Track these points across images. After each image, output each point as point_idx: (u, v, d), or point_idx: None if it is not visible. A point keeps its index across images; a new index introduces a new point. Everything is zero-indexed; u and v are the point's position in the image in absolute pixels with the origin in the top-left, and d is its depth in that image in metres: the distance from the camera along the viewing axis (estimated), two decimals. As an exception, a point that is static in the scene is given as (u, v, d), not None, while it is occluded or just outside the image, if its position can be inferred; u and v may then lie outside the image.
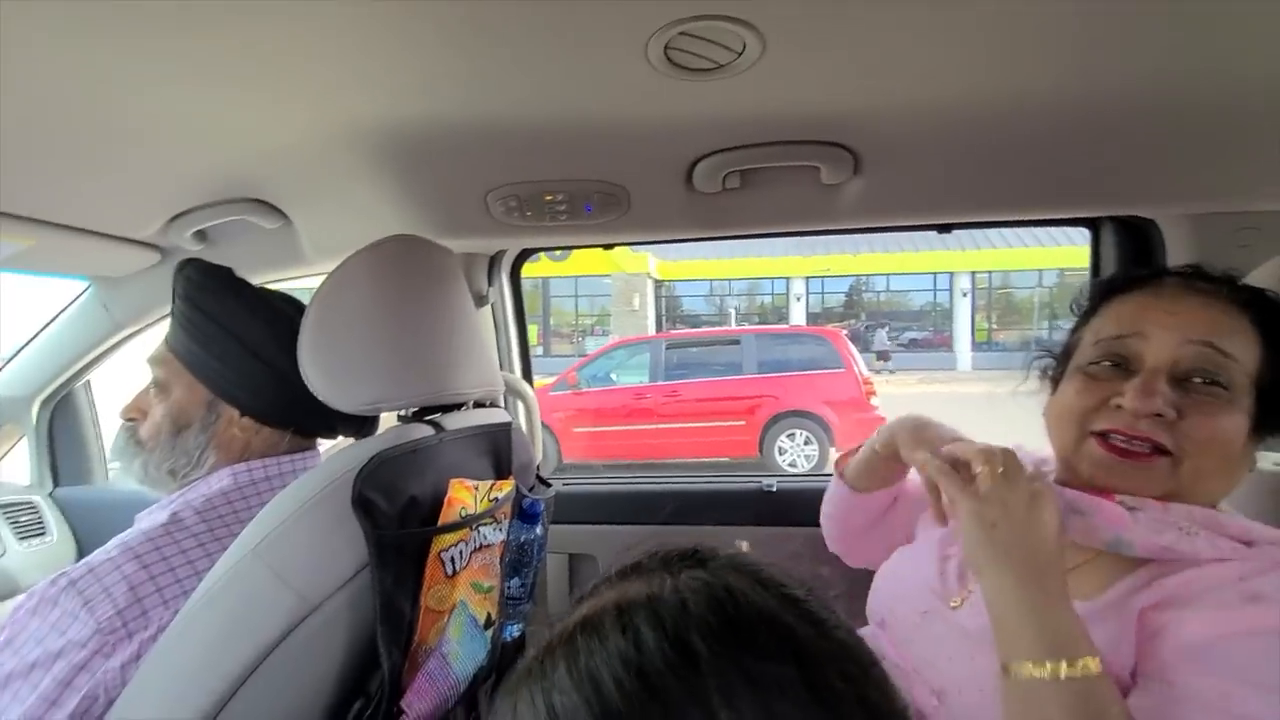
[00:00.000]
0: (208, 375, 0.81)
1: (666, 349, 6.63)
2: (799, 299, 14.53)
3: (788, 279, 14.54)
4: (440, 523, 0.73)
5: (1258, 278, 0.76)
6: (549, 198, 0.99)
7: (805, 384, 5.95)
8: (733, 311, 14.37)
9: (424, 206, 1.04)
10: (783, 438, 5.89)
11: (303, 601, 0.64)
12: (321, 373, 0.77)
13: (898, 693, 0.35)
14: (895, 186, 0.98)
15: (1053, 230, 13.17)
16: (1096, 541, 0.60)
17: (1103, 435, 0.61)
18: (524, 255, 1.36)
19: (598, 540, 1.40)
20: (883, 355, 13.19)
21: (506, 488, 0.86)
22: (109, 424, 1.60)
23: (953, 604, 0.69)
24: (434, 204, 1.03)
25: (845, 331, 7.06)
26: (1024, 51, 0.70)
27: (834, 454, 5.60)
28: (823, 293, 15.24)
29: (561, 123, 0.85)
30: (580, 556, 1.42)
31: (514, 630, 0.99)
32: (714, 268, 14.39)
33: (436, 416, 0.86)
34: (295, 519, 0.66)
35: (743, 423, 5.97)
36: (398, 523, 0.69)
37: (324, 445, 0.95)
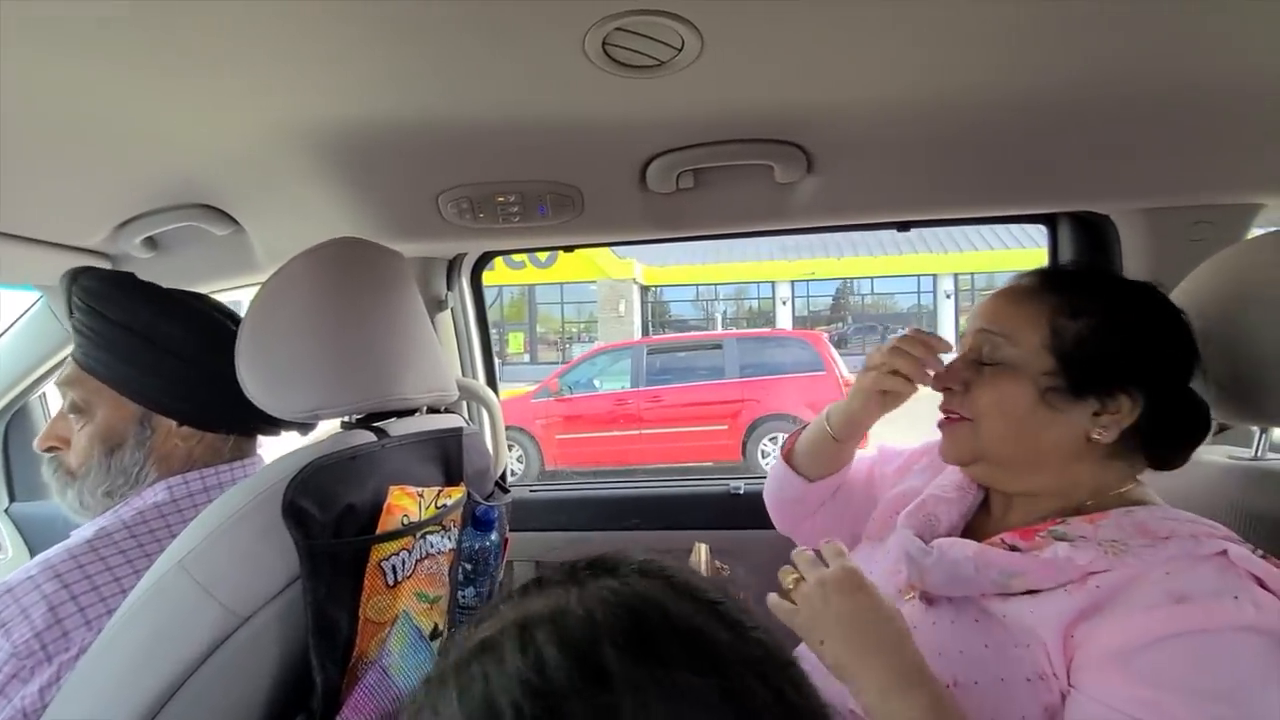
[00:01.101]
0: (134, 389, 0.78)
1: (649, 354, 6.62)
2: (785, 302, 14.59)
3: (773, 283, 14.62)
4: (379, 530, 0.71)
5: (1204, 271, 0.76)
6: (501, 199, 0.98)
7: (787, 387, 5.96)
8: (719, 316, 14.38)
9: (375, 209, 1.02)
10: (765, 441, 5.86)
11: (229, 615, 0.62)
12: (258, 380, 0.75)
13: (816, 691, 0.34)
14: (850, 185, 0.98)
15: (1031, 232, 13.46)
16: (988, 587, 0.60)
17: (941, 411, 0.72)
18: (484, 259, 1.34)
19: (566, 547, 1.38)
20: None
21: (456, 494, 0.84)
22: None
23: (906, 597, 0.68)
24: (385, 207, 1.02)
25: (832, 335, 7.08)
26: (972, 48, 0.70)
27: None
28: (808, 296, 15.30)
29: (509, 122, 0.84)
30: (548, 564, 1.40)
31: (471, 640, 0.97)
32: (700, 272, 14.43)
33: (383, 423, 0.84)
34: (223, 530, 0.64)
35: (725, 427, 5.97)
36: (333, 532, 0.67)
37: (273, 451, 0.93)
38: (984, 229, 13.72)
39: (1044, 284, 0.68)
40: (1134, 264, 1.05)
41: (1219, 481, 0.76)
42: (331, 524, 0.67)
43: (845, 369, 6.05)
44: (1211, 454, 0.81)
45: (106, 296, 0.78)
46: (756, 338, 7.53)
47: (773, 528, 0.95)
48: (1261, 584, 0.52)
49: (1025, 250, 13.10)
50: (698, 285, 15.06)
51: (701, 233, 1.09)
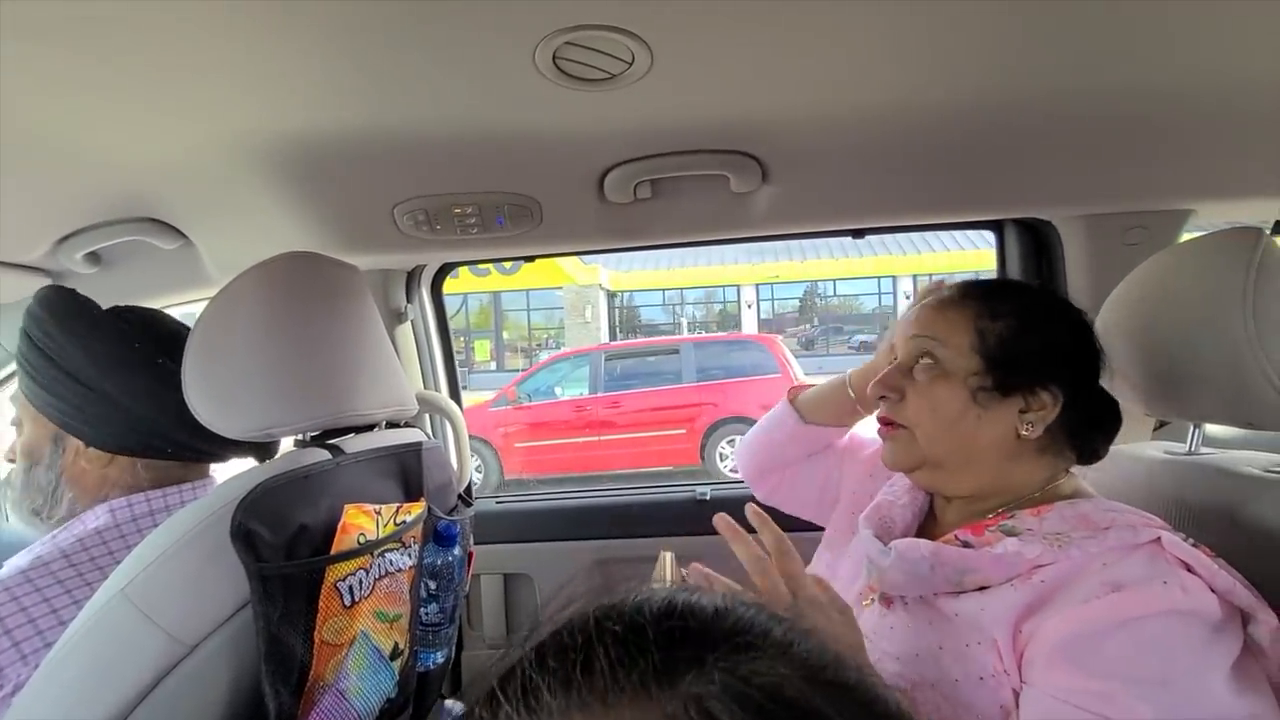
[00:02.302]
0: (43, 407, 0.76)
1: (607, 360, 6.60)
2: (750, 306, 14.74)
3: (739, 286, 14.79)
4: (334, 550, 0.69)
5: (1139, 274, 0.79)
6: (458, 210, 0.97)
7: (743, 390, 5.99)
8: (684, 321, 14.43)
9: (329, 221, 1.00)
10: (723, 444, 5.90)
11: (174, 644, 0.60)
12: (205, 398, 0.73)
13: None
14: (804, 194, 1.00)
15: (987, 234, 13.94)
16: (942, 585, 0.62)
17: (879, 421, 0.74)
18: (444, 270, 1.33)
19: (533, 559, 1.37)
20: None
21: (415, 510, 0.83)
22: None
23: (864, 603, 0.70)
24: (339, 219, 1.00)
25: (800, 336, 7.18)
26: (916, 61, 0.72)
27: None
28: (773, 299, 15.46)
29: (463, 134, 0.84)
30: (515, 576, 1.39)
31: (435, 658, 0.95)
32: (665, 277, 14.50)
33: (339, 440, 0.82)
34: (168, 556, 0.62)
35: (683, 431, 5.99)
36: (284, 554, 0.66)
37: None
38: (941, 232, 14.22)
39: (964, 294, 0.73)
40: (1075, 267, 1.10)
41: (1157, 476, 0.79)
42: (283, 546, 0.66)
43: (800, 371, 6.14)
44: (1149, 450, 0.85)
45: (34, 314, 0.77)
46: (713, 342, 7.56)
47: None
48: (1189, 569, 0.54)
49: (980, 251, 13.61)
50: (664, 290, 15.13)
51: (660, 242, 1.10)
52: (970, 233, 14.07)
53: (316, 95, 0.74)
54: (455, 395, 1.39)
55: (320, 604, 0.68)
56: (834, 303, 15.82)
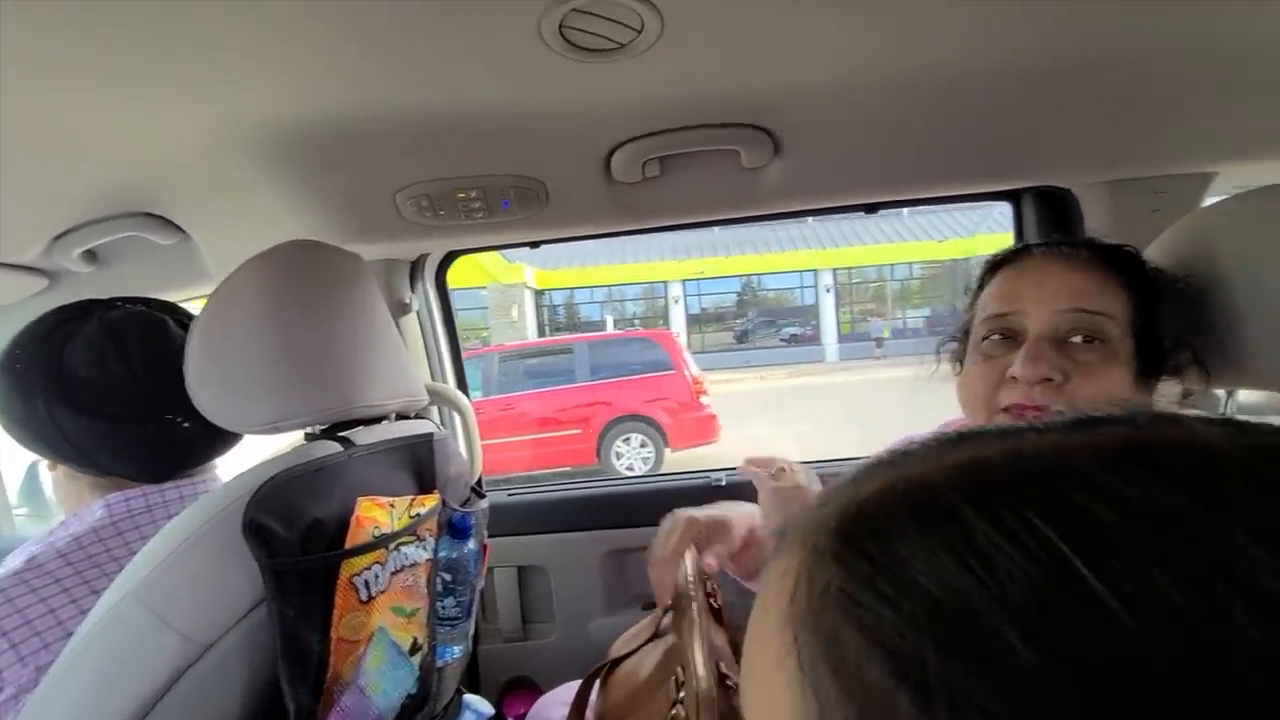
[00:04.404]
0: (19, 440, 0.75)
1: (500, 362, 6.56)
2: (677, 301, 14.77)
3: (666, 283, 14.81)
4: (348, 545, 0.67)
5: (1165, 240, 0.77)
6: (462, 195, 0.94)
7: (638, 388, 6.02)
8: (609, 318, 14.25)
9: (329, 210, 0.98)
10: (619, 442, 5.93)
11: (189, 644, 0.58)
12: (211, 393, 0.71)
13: None
14: (817, 168, 0.97)
15: (910, 224, 14.13)
16: None
17: (1008, 411, 0.62)
18: (449, 259, 1.30)
19: (546, 550, 1.35)
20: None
21: (430, 503, 0.81)
22: (10, 469, 1.48)
23: None
24: (340, 207, 0.97)
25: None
26: (933, 24, 0.69)
27: (669, 454, 5.86)
28: (700, 294, 15.48)
29: (467, 114, 0.81)
30: (530, 569, 1.37)
31: (454, 652, 0.94)
32: (592, 275, 14.39)
33: (349, 432, 0.80)
34: (179, 553, 0.60)
35: (579, 431, 5.96)
36: (299, 549, 0.64)
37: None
38: (859, 226, 14.37)
39: (1103, 262, 0.64)
40: (1096, 237, 1.07)
41: None
42: (298, 541, 0.64)
43: (694, 367, 6.14)
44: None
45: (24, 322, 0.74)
46: (607, 340, 7.48)
47: None
48: None
49: (897, 245, 14.15)
50: (591, 287, 15.04)
51: (669, 221, 1.07)
52: (887, 229, 14.38)
53: (313, 79, 0.72)
54: (463, 387, 1.37)
55: (337, 599, 0.66)
56: (770, 296, 15.81)
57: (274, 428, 0.72)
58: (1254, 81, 0.83)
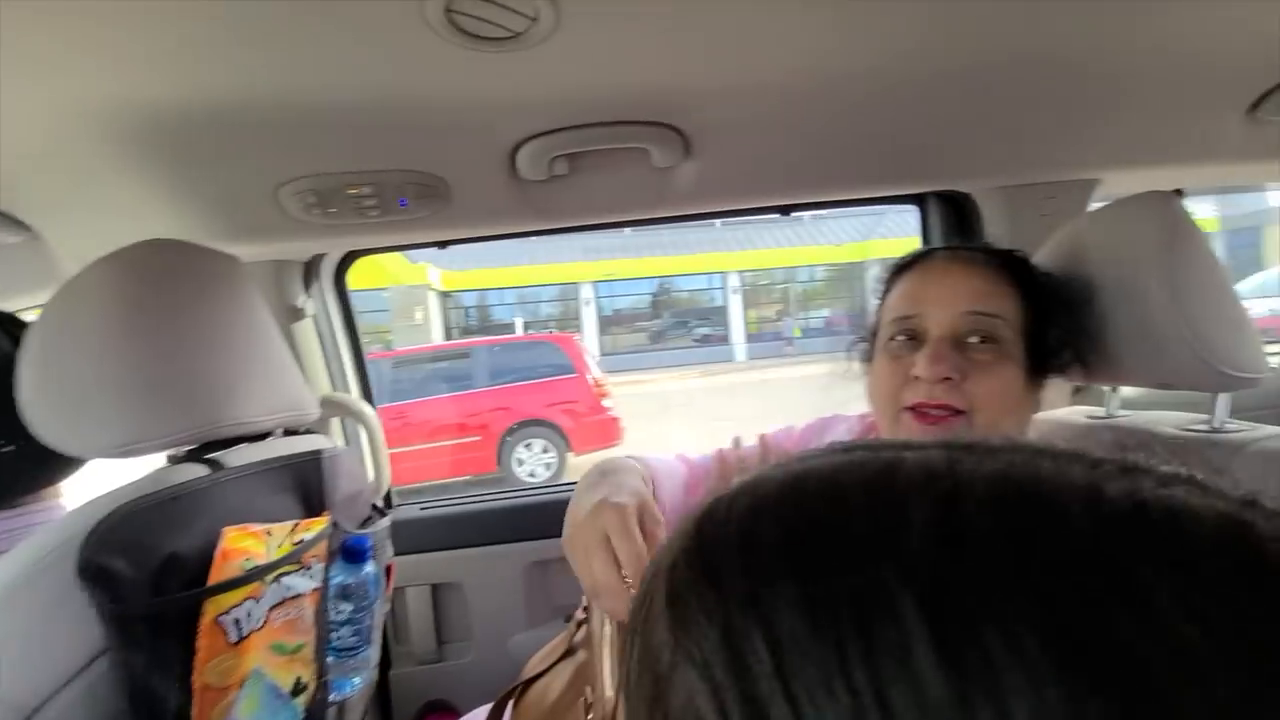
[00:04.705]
0: None
1: (394, 367, 6.26)
2: (588, 303, 14.79)
3: (578, 284, 14.81)
4: (211, 581, 0.60)
5: (1050, 245, 0.80)
6: (353, 191, 0.87)
7: (538, 392, 5.83)
8: (519, 321, 13.95)
9: (202, 206, 0.89)
10: (520, 448, 5.75)
11: (10, 711, 0.50)
12: (49, 413, 0.62)
13: None
14: (728, 169, 0.96)
15: (811, 230, 14.89)
16: None
17: (913, 409, 0.65)
18: (348, 259, 1.22)
19: (462, 566, 1.29)
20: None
21: (317, 526, 0.75)
22: None
23: None
24: (214, 202, 0.89)
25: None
26: (836, 27, 0.69)
27: (572, 459, 5.71)
28: (615, 296, 15.59)
29: (353, 104, 0.75)
30: (444, 586, 1.30)
31: (354, 683, 0.87)
32: (500, 276, 14.07)
33: (221, 453, 0.72)
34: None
35: (478, 438, 5.74)
36: (149, 589, 0.56)
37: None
38: (764, 230, 15.00)
39: (1000, 269, 0.68)
40: (995, 238, 1.11)
41: (1081, 440, 0.80)
42: (148, 581, 0.56)
43: (597, 370, 6.00)
44: (1071, 415, 0.86)
45: None
46: (506, 344, 7.18)
47: None
48: None
49: (799, 248, 14.82)
50: (502, 289, 14.80)
51: (580, 222, 1.03)
52: (789, 233, 15.06)
53: (178, 59, 0.64)
54: (368, 396, 1.28)
55: (199, 643, 0.59)
56: (684, 297, 16.21)
57: (125, 451, 0.64)
58: (1133, 94, 0.87)
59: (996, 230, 1.10)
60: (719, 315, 15.31)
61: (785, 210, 1.12)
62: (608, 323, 15.29)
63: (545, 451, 5.79)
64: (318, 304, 1.18)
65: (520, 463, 5.72)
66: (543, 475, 5.70)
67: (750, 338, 15.06)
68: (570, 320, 14.89)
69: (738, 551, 0.19)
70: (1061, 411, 0.89)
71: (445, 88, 0.74)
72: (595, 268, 14.51)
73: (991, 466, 0.19)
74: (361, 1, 0.59)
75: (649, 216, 1.06)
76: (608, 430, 5.80)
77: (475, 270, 13.74)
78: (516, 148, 0.87)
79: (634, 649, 0.21)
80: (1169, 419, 0.75)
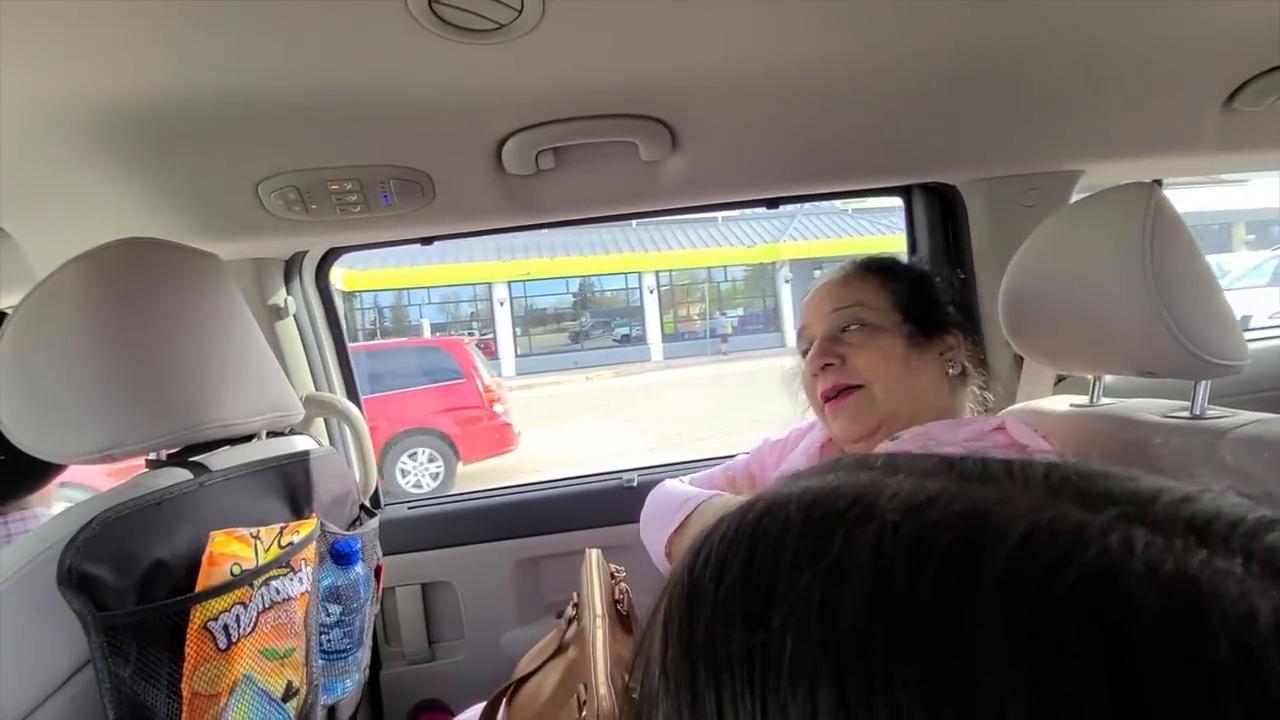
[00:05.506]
0: None
1: None
2: (502, 304, 14.51)
3: (490, 284, 14.47)
4: (200, 587, 0.59)
5: (1034, 238, 0.81)
6: (335, 187, 0.86)
7: (423, 399, 5.50)
8: (425, 322, 13.39)
9: (180, 203, 0.86)
10: (404, 458, 5.39)
11: None
12: (23, 417, 0.61)
13: None
14: (715, 162, 0.96)
15: (725, 232, 14.89)
16: None
17: (823, 396, 0.80)
18: (330, 257, 1.20)
19: (452, 565, 1.28)
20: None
21: (305, 529, 0.74)
22: None
23: None
24: (193, 200, 0.86)
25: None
26: (825, 19, 0.69)
27: (461, 468, 5.44)
28: (533, 295, 15.43)
29: (335, 98, 0.73)
30: (435, 585, 1.29)
31: (345, 686, 0.86)
32: (406, 276, 13.69)
33: (206, 456, 0.71)
34: None
35: None
36: (135, 597, 0.55)
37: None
38: (679, 231, 15.01)
39: (862, 269, 0.84)
40: (979, 230, 1.12)
41: (1065, 428, 0.81)
42: (133, 588, 0.55)
43: (488, 375, 5.71)
44: (1055, 404, 0.87)
45: None
46: (387, 349, 6.86)
47: None
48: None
49: (712, 249, 14.78)
50: (409, 289, 14.41)
51: (566, 216, 1.02)
52: (704, 235, 15.00)
53: (154, 53, 0.63)
54: (353, 395, 1.27)
55: (187, 650, 0.58)
56: (606, 297, 16.16)
57: (104, 456, 0.62)
58: (1115, 87, 0.88)
59: (981, 221, 1.11)
60: (638, 315, 15.28)
61: (772, 203, 1.11)
62: (527, 322, 15.08)
63: (432, 461, 5.46)
64: (299, 302, 1.16)
65: (404, 474, 5.38)
66: (429, 486, 5.39)
67: (666, 337, 15.04)
68: (484, 321, 14.59)
69: (693, 595, 0.21)
70: (1044, 401, 0.90)
71: (429, 81, 0.72)
72: (508, 267, 14.15)
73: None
74: None
75: (636, 210, 1.05)
76: (501, 436, 5.51)
77: (380, 270, 13.15)
78: (502, 142, 0.86)
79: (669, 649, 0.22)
80: (1151, 406, 0.76)
